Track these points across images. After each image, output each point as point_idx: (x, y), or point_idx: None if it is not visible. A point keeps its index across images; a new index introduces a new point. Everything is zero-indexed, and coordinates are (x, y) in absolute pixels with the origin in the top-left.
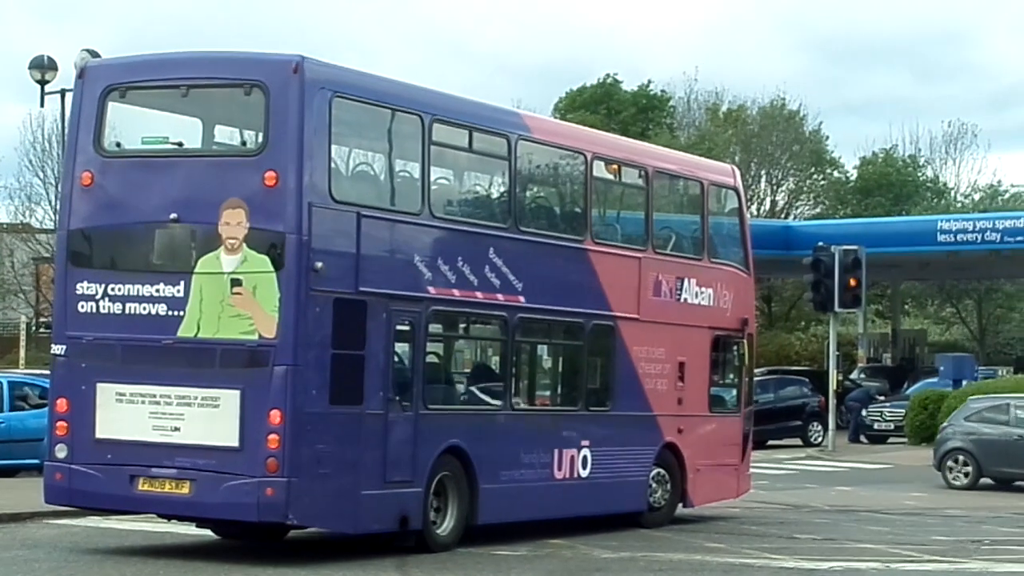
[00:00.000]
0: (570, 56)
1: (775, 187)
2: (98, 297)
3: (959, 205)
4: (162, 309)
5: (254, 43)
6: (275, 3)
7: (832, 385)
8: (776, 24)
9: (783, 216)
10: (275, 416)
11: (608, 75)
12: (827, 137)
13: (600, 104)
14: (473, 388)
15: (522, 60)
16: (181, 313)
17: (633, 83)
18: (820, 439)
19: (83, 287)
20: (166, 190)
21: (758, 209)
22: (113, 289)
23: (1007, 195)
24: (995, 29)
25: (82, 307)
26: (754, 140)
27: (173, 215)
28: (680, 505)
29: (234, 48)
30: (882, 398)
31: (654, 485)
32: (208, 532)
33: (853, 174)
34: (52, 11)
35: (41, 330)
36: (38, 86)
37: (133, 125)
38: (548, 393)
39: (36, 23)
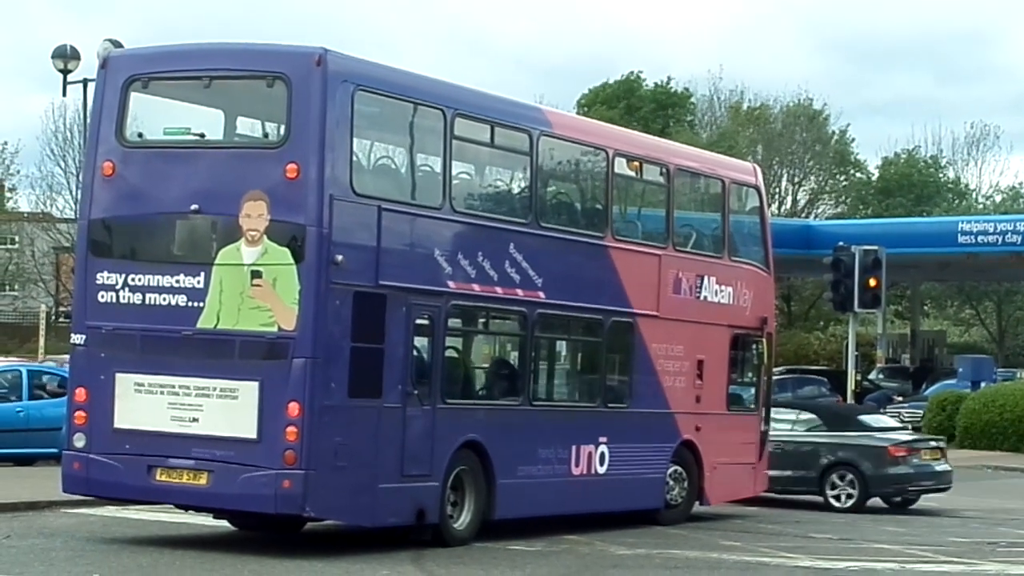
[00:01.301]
0: (593, 53)
1: (796, 186)
2: (118, 287)
3: (980, 207)
4: (182, 300)
5: (276, 36)
6: None
7: (851, 385)
8: (800, 24)
9: (804, 215)
10: (293, 408)
11: (632, 72)
12: (853, 140)
13: (620, 100)
14: (492, 383)
15: (545, 57)
16: (201, 304)
17: (656, 81)
18: None
19: (103, 277)
20: (187, 181)
21: (779, 208)
22: (133, 279)
23: None
24: (1019, 30)
25: (102, 297)
26: (776, 139)
27: (194, 206)
28: (697, 503)
29: (256, 40)
30: (900, 399)
31: (671, 482)
32: (225, 523)
33: (875, 174)
34: (76, 1)
35: (61, 319)
36: (60, 76)
37: (155, 116)
38: (566, 389)
39: (60, 13)
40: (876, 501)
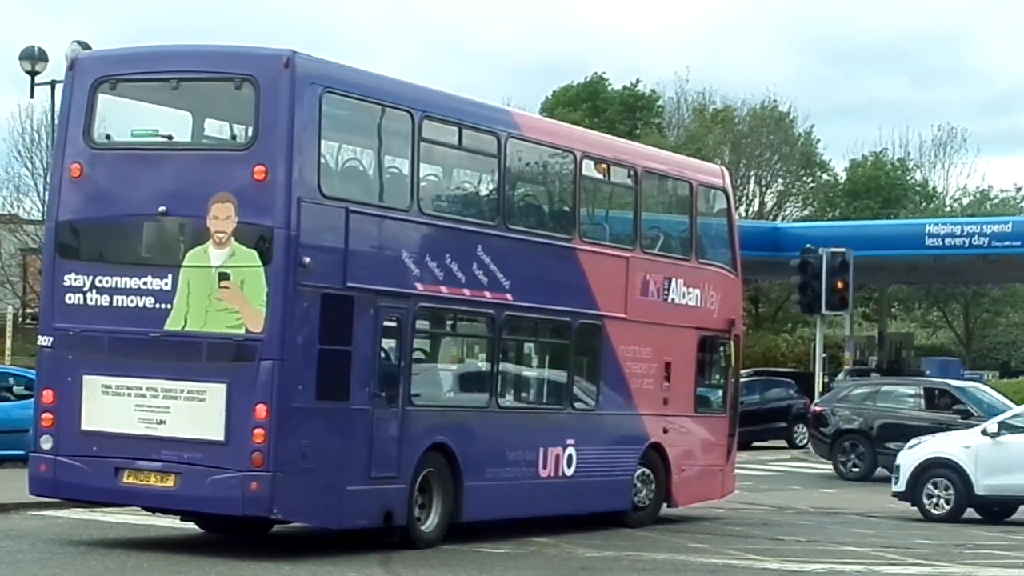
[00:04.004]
0: (567, 54)
1: (764, 188)
2: (86, 289)
3: (948, 209)
4: (149, 302)
5: (251, 38)
6: None
7: (818, 387)
8: (775, 26)
9: (771, 217)
10: (261, 410)
11: (595, 73)
12: (818, 140)
13: (585, 102)
14: (459, 385)
15: (518, 58)
16: (168, 306)
17: (624, 83)
18: (805, 441)
19: (71, 279)
20: (155, 183)
21: (746, 210)
22: (101, 281)
23: (995, 200)
24: (992, 33)
25: (69, 299)
26: (744, 141)
27: (162, 208)
28: (664, 505)
29: (230, 42)
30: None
31: (639, 484)
32: (192, 525)
33: (843, 177)
34: (48, 3)
35: (28, 321)
36: (28, 77)
37: (123, 117)
38: (534, 391)
39: (31, 14)
40: None
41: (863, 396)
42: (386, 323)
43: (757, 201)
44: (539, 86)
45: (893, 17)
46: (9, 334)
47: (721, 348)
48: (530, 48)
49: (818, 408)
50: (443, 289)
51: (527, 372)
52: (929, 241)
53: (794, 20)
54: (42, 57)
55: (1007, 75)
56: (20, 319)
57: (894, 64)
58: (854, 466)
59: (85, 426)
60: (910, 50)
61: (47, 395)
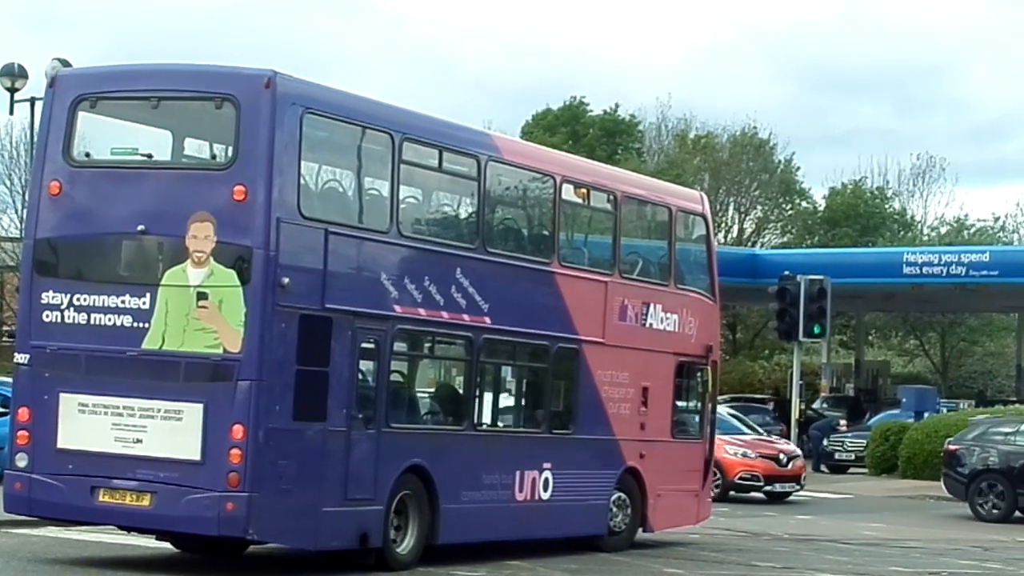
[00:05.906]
0: (552, 79)
1: (743, 215)
2: (63, 307)
3: (925, 238)
4: (127, 320)
5: (240, 58)
6: (261, 19)
7: (794, 414)
8: (762, 53)
9: (750, 244)
10: (238, 431)
11: (574, 97)
12: (798, 168)
13: (564, 126)
14: (436, 408)
15: (506, 82)
16: (146, 325)
17: (604, 108)
18: None
19: (48, 296)
20: (134, 201)
21: (725, 237)
22: (79, 299)
23: (973, 229)
24: (978, 64)
25: (47, 317)
26: (723, 168)
27: (141, 227)
28: (640, 530)
29: (218, 63)
30: (843, 425)
31: (615, 509)
32: (168, 545)
33: (821, 204)
34: (31, 21)
35: (5, 339)
36: (7, 94)
37: (103, 135)
38: (511, 414)
39: (13, 32)
40: None
41: (1002, 434)
42: (364, 345)
43: (736, 228)
44: (525, 109)
45: (882, 46)
46: None
47: (698, 374)
48: (517, 72)
49: (952, 447)
50: (422, 311)
51: (504, 395)
52: (907, 269)
53: (782, 48)
54: (22, 74)
55: (991, 105)
56: None
57: (881, 92)
58: (994, 507)
59: (61, 444)
60: (897, 78)
61: (23, 413)
